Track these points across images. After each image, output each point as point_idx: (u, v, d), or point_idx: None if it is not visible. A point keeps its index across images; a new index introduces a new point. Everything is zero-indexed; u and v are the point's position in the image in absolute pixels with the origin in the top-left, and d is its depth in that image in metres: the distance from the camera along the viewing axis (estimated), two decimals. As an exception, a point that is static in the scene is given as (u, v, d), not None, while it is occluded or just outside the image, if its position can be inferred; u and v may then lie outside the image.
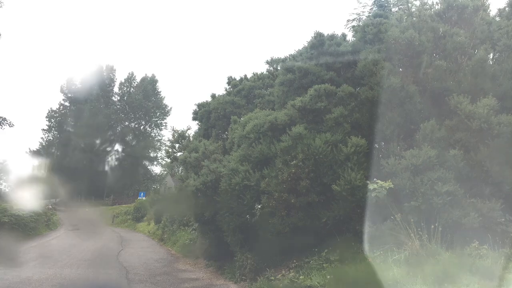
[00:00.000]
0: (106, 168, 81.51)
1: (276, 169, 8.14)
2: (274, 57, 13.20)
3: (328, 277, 6.41)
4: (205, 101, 14.07)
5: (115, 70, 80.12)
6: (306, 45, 11.16)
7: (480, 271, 6.03)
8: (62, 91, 78.50)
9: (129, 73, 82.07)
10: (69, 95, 77.68)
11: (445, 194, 7.18)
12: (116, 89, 78.91)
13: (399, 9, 11.60)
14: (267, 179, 8.20)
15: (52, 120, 75.79)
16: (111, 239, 22.12)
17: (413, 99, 8.07)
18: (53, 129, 75.15)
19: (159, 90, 79.81)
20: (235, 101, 12.35)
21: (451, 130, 7.72)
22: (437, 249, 6.59)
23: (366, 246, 7.41)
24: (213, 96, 13.70)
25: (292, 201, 7.66)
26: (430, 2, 11.49)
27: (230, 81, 13.96)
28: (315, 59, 10.10)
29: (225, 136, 12.18)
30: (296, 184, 7.69)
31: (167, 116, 79.17)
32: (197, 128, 14.23)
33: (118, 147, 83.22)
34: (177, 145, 14.10)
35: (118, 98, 79.16)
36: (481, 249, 6.42)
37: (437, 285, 5.36)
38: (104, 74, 79.69)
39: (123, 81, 79.16)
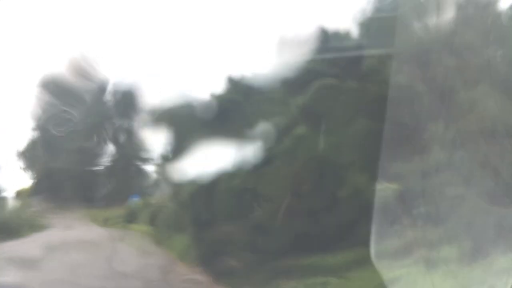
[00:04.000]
0: (97, 169, 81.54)
1: (277, 172, 7.87)
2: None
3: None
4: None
5: (108, 69, 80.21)
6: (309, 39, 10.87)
7: (492, 281, 5.77)
8: (46, 87, 78.48)
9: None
10: (56, 92, 77.86)
11: (454, 197, 6.93)
12: (109, 89, 79.34)
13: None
14: (266, 182, 7.93)
15: (40, 119, 75.90)
16: (103, 244, 21.83)
17: (421, 99, 7.77)
18: (39, 129, 75.21)
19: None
20: (236, 100, 12.06)
21: (461, 131, 7.43)
22: (447, 256, 6.32)
23: (372, 252, 7.13)
24: (211, 94, 13.39)
25: (294, 205, 7.44)
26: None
27: (229, 78, 13.64)
28: (318, 55, 9.82)
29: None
30: (298, 188, 7.45)
31: (163, 115, 79.57)
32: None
33: (110, 147, 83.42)
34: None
35: (111, 95, 79.62)
36: (493, 255, 6.15)
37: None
38: (97, 73, 79.94)
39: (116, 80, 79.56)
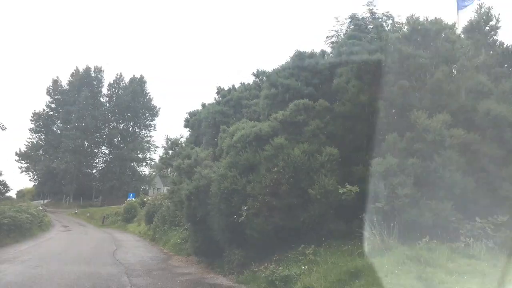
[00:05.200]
0: (94, 170, 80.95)
1: (260, 175, 9.24)
2: (260, 69, 14.36)
3: (303, 267, 7.55)
4: (196, 109, 15.17)
5: (103, 71, 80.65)
6: (289, 59, 12.30)
7: (427, 261, 7.19)
8: (48, 93, 78.75)
9: (117, 74, 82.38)
10: (56, 97, 78.04)
11: (404, 196, 8.37)
12: (104, 90, 79.44)
13: (372, 28, 12.76)
14: (252, 184, 9.29)
15: (39, 122, 75.95)
16: (104, 240, 22.98)
17: (379, 114, 9.25)
18: (40, 131, 75.20)
19: (147, 91, 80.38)
20: (224, 111, 13.45)
21: (411, 141, 8.92)
22: (394, 244, 7.77)
23: (337, 242, 8.59)
24: (203, 105, 14.77)
25: (274, 203, 8.77)
26: (401, 22, 12.77)
27: (220, 91, 15.03)
28: (296, 75, 11.23)
29: (215, 142, 13.23)
30: (278, 188, 8.80)
31: (155, 117, 79.90)
32: (188, 135, 15.30)
33: (105, 149, 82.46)
34: (170, 151, 15.07)
35: (107, 99, 79.67)
36: (431, 243, 7.61)
37: (390, 273, 6.50)
38: (92, 75, 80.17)
39: (111, 82, 79.64)
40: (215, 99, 14.95)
